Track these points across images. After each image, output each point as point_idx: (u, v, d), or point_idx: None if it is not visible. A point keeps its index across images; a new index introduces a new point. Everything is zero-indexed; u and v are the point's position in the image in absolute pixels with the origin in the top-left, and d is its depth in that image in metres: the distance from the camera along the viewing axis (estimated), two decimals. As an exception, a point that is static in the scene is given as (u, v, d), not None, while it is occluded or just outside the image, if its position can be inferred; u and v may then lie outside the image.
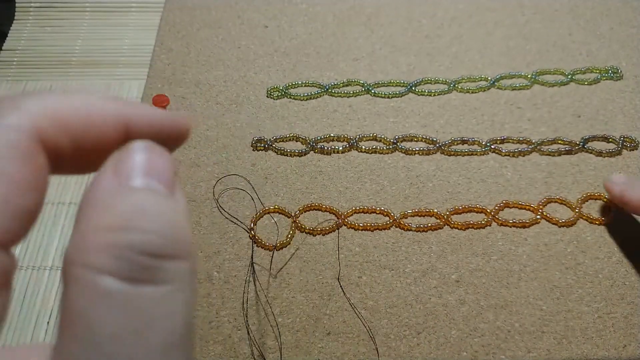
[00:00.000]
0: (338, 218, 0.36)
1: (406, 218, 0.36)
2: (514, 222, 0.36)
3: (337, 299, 0.33)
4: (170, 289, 0.12)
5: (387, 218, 0.36)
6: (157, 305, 0.12)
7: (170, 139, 0.16)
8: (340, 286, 0.34)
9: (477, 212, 0.37)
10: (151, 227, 0.12)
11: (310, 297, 0.33)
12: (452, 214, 0.37)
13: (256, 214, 0.36)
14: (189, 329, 0.13)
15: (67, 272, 0.12)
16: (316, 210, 0.37)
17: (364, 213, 0.37)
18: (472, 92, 0.43)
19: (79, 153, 0.15)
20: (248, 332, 0.32)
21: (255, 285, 0.33)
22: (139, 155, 0.14)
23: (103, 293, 0.12)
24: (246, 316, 0.32)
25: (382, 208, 0.37)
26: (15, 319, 0.33)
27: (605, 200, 0.37)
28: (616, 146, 0.40)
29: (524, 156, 0.40)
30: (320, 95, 0.42)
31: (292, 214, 0.36)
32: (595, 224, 0.36)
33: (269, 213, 0.37)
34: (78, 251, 0.12)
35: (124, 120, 0.15)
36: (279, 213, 0.37)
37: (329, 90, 0.42)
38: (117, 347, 0.12)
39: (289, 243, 0.35)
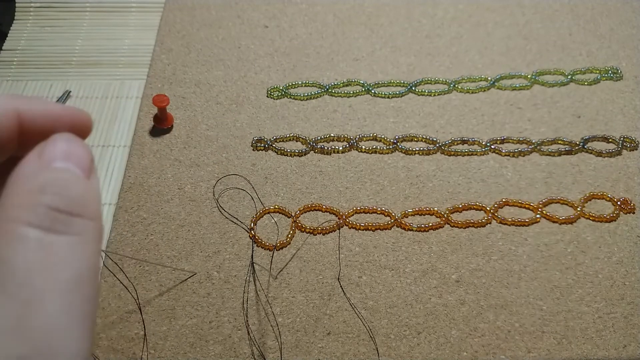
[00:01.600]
0: (339, 218, 0.36)
1: (407, 217, 0.36)
2: (513, 220, 0.36)
3: (337, 299, 0.33)
4: (77, 239, 0.15)
5: (388, 218, 0.36)
6: (66, 250, 0.15)
7: (70, 132, 0.18)
8: (341, 286, 0.34)
9: (476, 210, 0.37)
10: (63, 192, 0.15)
11: (310, 297, 0.33)
12: (452, 212, 0.37)
13: (256, 214, 0.36)
14: (92, 274, 0.15)
15: None
16: (316, 210, 0.37)
17: (365, 213, 0.37)
18: (472, 92, 0.43)
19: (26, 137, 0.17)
20: (248, 332, 0.32)
21: (255, 285, 0.33)
22: (60, 144, 0.17)
23: (21, 237, 0.14)
24: (246, 316, 0.32)
25: (383, 208, 0.37)
26: (15, 318, 0.33)
27: (608, 199, 0.37)
28: (616, 146, 0.40)
29: (524, 156, 0.40)
30: (320, 95, 0.42)
31: (293, 214, 0.36)
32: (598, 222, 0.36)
33: (269, 213, 0.37)
34: (3, 210, 0.15)
35: (16, 110, 0.17)
36: (279, 213, 0.37)
37: (329, 90, 0.42)
38: (30, 278, 0.14)
39: (289, 243, 0.35)
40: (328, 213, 0.37)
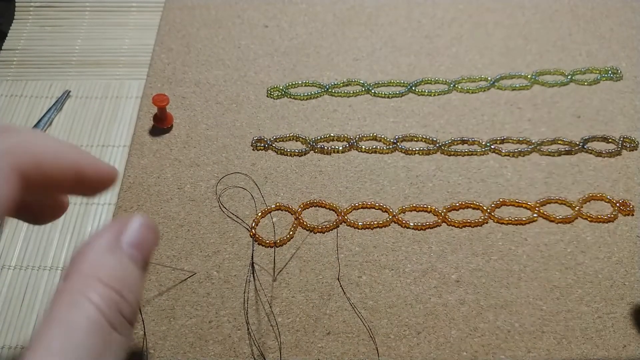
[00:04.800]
0: (338, 215, 0.36)
1: (404, 213, 0.36)
2: (510, 219, 0.36)
3: (337, 299, 0.33)
4: (124, 340, 0.18)
5: (387, 214, 0.36)
6: (113, 345, 0.17)
7: (98, 186, 0.21)
8: (341, 286, 0.34)
9: (473, 209, 0.37)
10: (132, 299, 0.18)
11: (310, 297, 0.33)
12: (450, 210, 0.37)
13: (257, 213, 0.36)
14: None
15: (65, 287, 0.17)
16: (318, 206, 0.37)
17: (363, 208, 0.37)
18: (472, 92, 0.43)
19: (42, 189, 0.19)
20: (248, 331, 0.32)
21: (255, 285, 0.33)
22: (136, 227, 0.20)
23: (88, 317, 0.16)
24: (246, 316, 0.32)
25: (381, 204, 0.37)
26: (14, 319, 0.33)
27: (607, 200, 0.37)
28: (616, 146, 0.40)
29: (524, 156, 0.40)
30: (320, 95, 0.42)
31: (295, 210, 0.36)
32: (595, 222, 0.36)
33: (269, 212, 0.36)
34: (76, 277, 0.17)
35: (81, 167, 0.20)
36: (281, 210, 0.37)
37: (329, 90, 0.42)
38: (81, 353, 0.16)
39: (292, 237, 0.35)
40: (329, 210, 0.37)
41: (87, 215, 0.37)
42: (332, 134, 0.40)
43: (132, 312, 0.18)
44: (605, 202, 0.37)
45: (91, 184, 0.21)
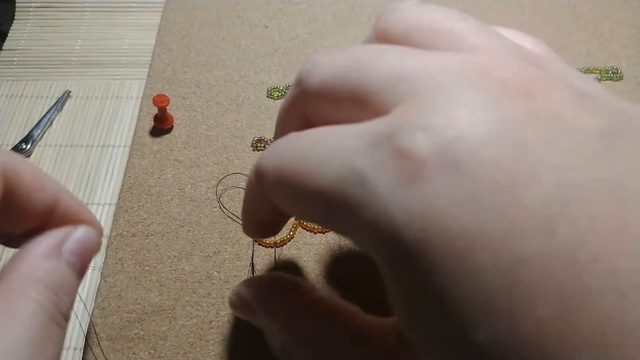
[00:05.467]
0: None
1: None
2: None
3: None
4: (62, 334, 0.19)
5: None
6: (53, 337, 0.18)
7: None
8: (342, 286, 0.34)
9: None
10: (68, 302, 0.20)
11: (310, 297, 0.33)
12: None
13: (256, 214, 0.36)
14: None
15: (3, 287, 0.18)
16: (316, 210, 0.37)
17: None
18: (472, 92, 0.43)
19: (17, 207, 0.20)
20: (249, 331, 0.32)
21: (255, 285, 0.33)
22: (78, 236, 0.21)
23: (29, 311, 0.18)
24: (246, 316, 0.32)
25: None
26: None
27: None
28: (616, 146, 0.40)
29: (524, 156, 0.40)
30: (321, 95, 0.42)
31: (293, 214, 0.36)
32: None
33: (269, 213, 0.37)
34: (17, 278, 0.18)
35: (57, 198, 0.21)
36: (279, 213, 0.37)
37: (329, 90, 0.42)
38: (25, 344, 0.17)
39: (292, 237, 0.35)
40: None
41: (87, 215, 0.37)
42: (332, 134, 0.40)
43: (68, 311, 0.19)
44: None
45: (64, 221, 0.21)
